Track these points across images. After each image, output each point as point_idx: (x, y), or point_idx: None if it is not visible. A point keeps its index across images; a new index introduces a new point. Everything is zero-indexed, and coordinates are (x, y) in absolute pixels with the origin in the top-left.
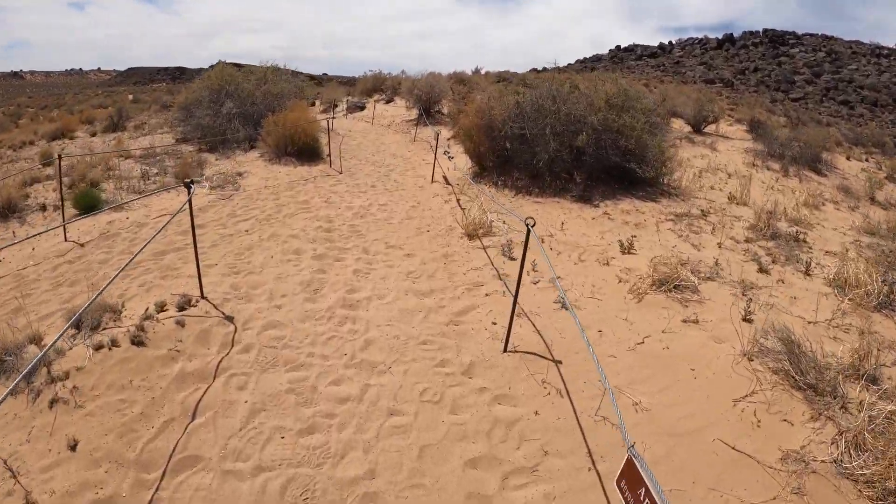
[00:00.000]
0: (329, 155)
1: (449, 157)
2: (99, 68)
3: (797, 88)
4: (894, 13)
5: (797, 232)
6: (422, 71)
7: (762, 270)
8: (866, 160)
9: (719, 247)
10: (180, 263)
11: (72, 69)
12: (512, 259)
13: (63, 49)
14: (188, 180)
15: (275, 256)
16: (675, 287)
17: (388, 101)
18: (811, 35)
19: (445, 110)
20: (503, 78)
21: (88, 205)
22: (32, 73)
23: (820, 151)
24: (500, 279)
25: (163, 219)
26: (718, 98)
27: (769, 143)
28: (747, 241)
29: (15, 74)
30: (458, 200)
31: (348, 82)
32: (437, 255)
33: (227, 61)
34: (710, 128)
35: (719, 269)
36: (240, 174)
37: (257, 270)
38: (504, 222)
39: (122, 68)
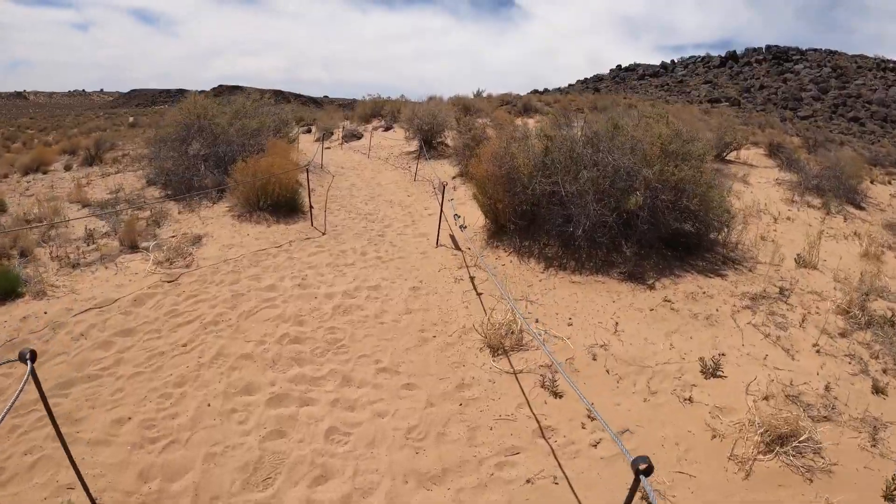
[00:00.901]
0: (311, 208)
1: (461, 227)
2: (101, 90)
3: (805, 106)
4: (892, 25)
5: (893, 316)
6: (421, 96)
7: (878, 391)
8: (890, 182)
9: (818, 352)
10: (86, 409)
11: (75, 90)
12: (557, 396)
13: (66, 69)
14: (26, 350)
15: (213, 403)
16: (792, 448)
17: (386, 129)
18: (814, 50)
19: (449, 141)
20: (506, 101)
21: (4, 289)
22: (36, 93)
23: (857, 183)
24: (544, 438)
25: (87, 314)
26: (727, 116)
27: (802, 174)
28: (842, 334)
29: (18, 95)
30: (471, 279)
31: (348, 105)
32: (450, 388)
33: (227, 84)
34: (732, 154)
35: (834, 400)
36: (199, 238)
37: (183, 437)
38: (538, 321)
39: (125, 90)
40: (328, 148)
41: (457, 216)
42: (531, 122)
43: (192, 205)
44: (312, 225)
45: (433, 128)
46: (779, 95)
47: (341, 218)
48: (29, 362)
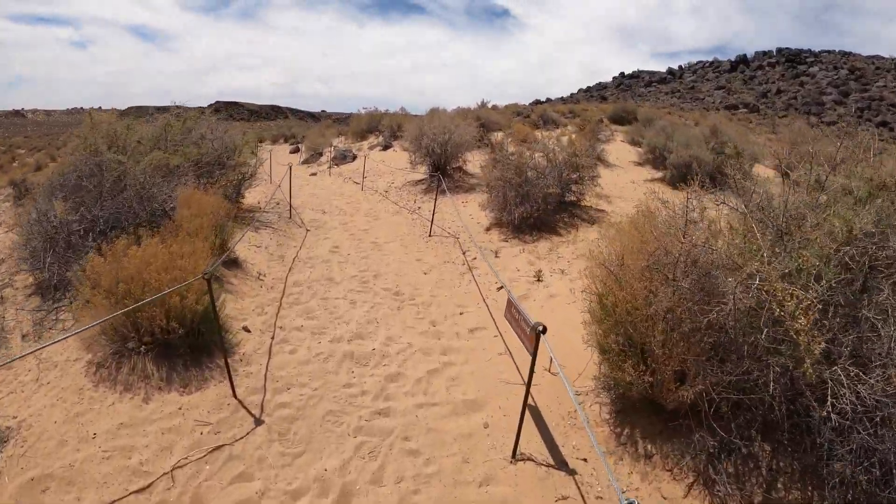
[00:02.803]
0: (238, 331)
1: (550, 365)
2: (100, 107)
3: (828, 111)
4: (885, 26)
5: None
6: (422, 108)
7: None
8: None
9: None
10: None
11: (73, 108)
12: None
13: (65, 87)
14: None
15: None
16: None
17: (384, 148)
18: (828, 52)
19: (471, 166)
20: (518, 112)
21: None
22: (34, 111)
23: None
24: None
25: None
26: (747, 124)
27: None
28: None
29: (16, 113)
30: None
31: (345, 119)
32: None
33: (225, 99)
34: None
35: None
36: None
37: None
38: None
39: (123, 106)
40: (314, 174)
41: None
42: (554, 135)
43: (46, 322)
44: (235, 395)
45: (448, 150)
46: (799, 100)
47: (302, 355)
48: None
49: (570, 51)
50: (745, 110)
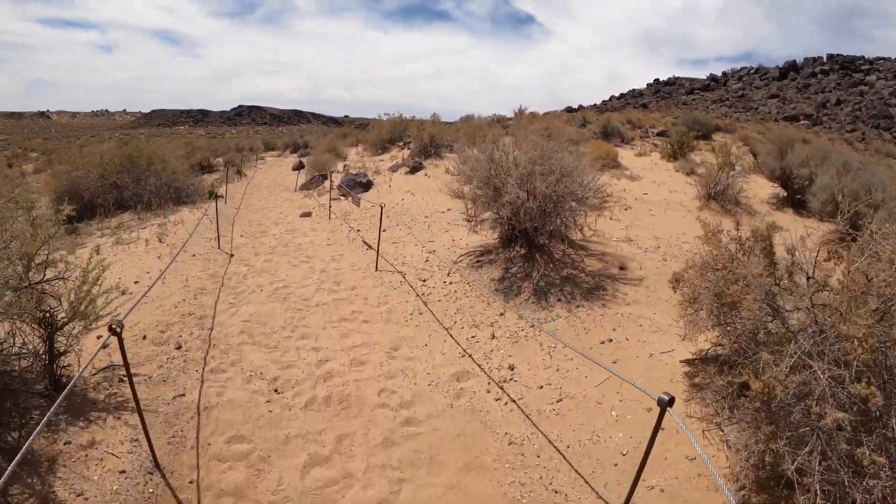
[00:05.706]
0: None
1: None
2: (125, 110)
3: None
4: None
5: None
6: (451, 114)
7: None
8: None
9: None
10: None
11: (99, 110)
12: None
13: (90, 90)
14: None
15: None
16: None
17: (412, 170)
18: (883, 59)
19: (591, 225)
20: (572, 121)
21: None
22: (60, 113)
23: None
24: None
25: None
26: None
27: None
28: None
29: (41, 114)
30: None
31: (367, 126)
32: None
33: (247, 104)
34: None
35: None
36: None
37: None
38: None
39: (147, 110)
40: (307, 215)
41: None
42: (632, 153)
43: None
44: None
45: (550, 208)
46: (864, 112)
47: None
48: None
49: (594, 57)
50: (807, 122)
